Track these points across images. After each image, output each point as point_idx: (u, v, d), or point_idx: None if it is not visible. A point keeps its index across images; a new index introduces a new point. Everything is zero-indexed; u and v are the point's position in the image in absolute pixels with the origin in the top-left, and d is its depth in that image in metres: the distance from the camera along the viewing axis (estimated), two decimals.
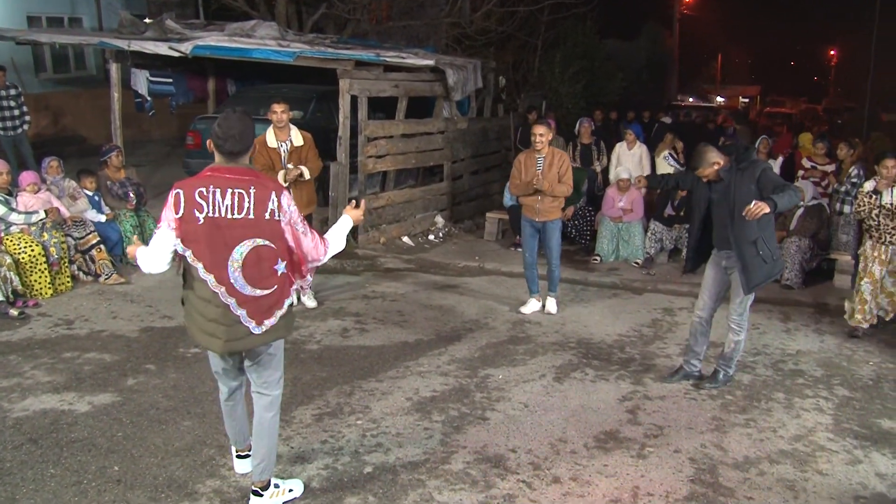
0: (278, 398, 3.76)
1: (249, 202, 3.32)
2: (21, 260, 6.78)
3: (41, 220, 7.07)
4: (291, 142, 6.72)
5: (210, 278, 3.34)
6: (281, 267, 3.42)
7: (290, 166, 6.69)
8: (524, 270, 7.22)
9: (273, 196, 3.36)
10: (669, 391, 5.38)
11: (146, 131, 15.06)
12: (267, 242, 3.37)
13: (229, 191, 3.33)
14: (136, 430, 4.58)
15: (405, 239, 10.02)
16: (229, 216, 3.32)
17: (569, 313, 7.13)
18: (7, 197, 7.01)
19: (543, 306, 7.14)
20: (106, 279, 7.38)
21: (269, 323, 3.43)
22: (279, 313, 3.45)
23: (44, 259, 6.91)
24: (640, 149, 10.11)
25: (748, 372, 5.76)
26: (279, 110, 6.64)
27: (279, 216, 3.37)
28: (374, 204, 9.69)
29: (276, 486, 3.82)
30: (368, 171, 9.49)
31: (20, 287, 6.71)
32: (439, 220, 10.81)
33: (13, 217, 6.94)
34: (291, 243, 3.44)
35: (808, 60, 52.97)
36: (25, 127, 10.78)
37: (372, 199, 9.67)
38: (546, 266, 7.13)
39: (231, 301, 3.36)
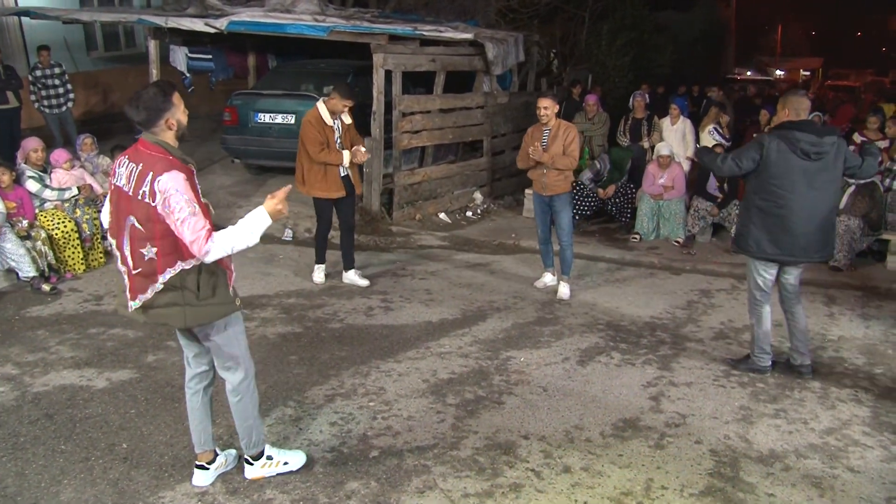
0: (239, 382, 3.63)
1: (133, 178, 3.26)
2: (55, 236, 6.87)
3: (74, 196, 7.16)
4: (342, 120, 6.60)
5: (113, 243, 3.43)
6: (149, 252, 3.27)
7: (363, 148, 6.65)
8: (538, 245, 7.04)
9: (149, 178, 3.20)
10: (697, 377, 5.16)
11: (193, 107, 14.78)
12: (136, 222, 3.27)
13: (129, 163, 3.31)
14: (150, 407, 4.59)
15: (442, 215, 9.89)
16: (122, 188, 3.31)
17: (601, 294, 6.92)
18: (41, 174, 7.11)
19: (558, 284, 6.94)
20: None
21: (140, 298, 3.33)
22: (142, 297, 3.32)
23: (77, 235, 7.01)
24: (684, 123, 9.72)
25: (783, 359, 5.47)
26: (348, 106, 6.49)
27: (149, 199, 3.20)
28: (410, 180, 9.58)
29: (270, 457, 3.80)
30: (403, 146, 9.37)
31: (55, 262, 6.81)
32: (478, 196, 10.65)
33: (47, 193, 7.03)
34: (174, 231, 3.23)
35: (876, 30, 50.49)
36: (70, 104, 10.96)
37: (408, 175, 9.56)
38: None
39: (122, 269, 3.39)
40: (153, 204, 3.20)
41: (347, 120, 6.63)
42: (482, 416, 4.56)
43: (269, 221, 3.33)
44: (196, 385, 3.73)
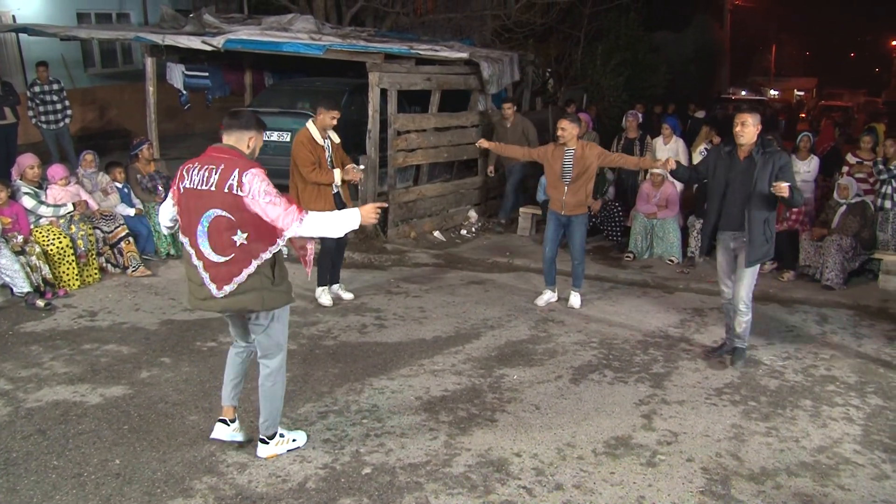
0: (277, 367, 4.05)
1: (215, 176, 3.68)
2: (49, 251, 6.89)
3: (69, 212, 7.18)
4: (331, 139, 6.61)
5: (186, 241, 3.82)
6: (240, 238, 3.69)
7: (356, 167, 6.73)
8: (543, 265, 7.16)
9: (235, 173, 3.66)
10: (689, 396, 5.18)
11: (189, 124, 15.21)
12: (225, 213, 3.68)
13: (205, 167, 3.73)
14: (143, 423, 4.59)
15: (436, 234, 9.93)
16: (198, 188, 3.72)
17: (594, 312, 6.95)
18: (37, 190, 7.14)
19: (567, 300, 7.08)
20: (133, 271, 7.47)
21: (227, 288, 3.74)
22: (237, 280, 3.73)
23: (71, 251, 7.02)
24: (677, 143, 9.81)
25: (775, 377, 5.52)
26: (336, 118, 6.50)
27: (237, 191, 3.64)
28: (405, 198, 9.62)
29: (282, 435, 4.21)
30: (398, 164, 9.42)
31: (50, 276, 6.82)
32: (472, 214, 10.69)
33: (42, 210, 7.06)
34: (262, 216, 3.67)
35: (869, 51, 51.01)
36: (67, 121, 10.99)
37: (403, 194, 9.60)
38: (569, 261, 7.05)
39: (199, 263, 3.78)
40: (241, 194, 3.64)
41: (336, 139, 6.65)
42: (475, 433, 4.57)
43: (357, 224, 3.86)
44: (242, 350, 4.21)
